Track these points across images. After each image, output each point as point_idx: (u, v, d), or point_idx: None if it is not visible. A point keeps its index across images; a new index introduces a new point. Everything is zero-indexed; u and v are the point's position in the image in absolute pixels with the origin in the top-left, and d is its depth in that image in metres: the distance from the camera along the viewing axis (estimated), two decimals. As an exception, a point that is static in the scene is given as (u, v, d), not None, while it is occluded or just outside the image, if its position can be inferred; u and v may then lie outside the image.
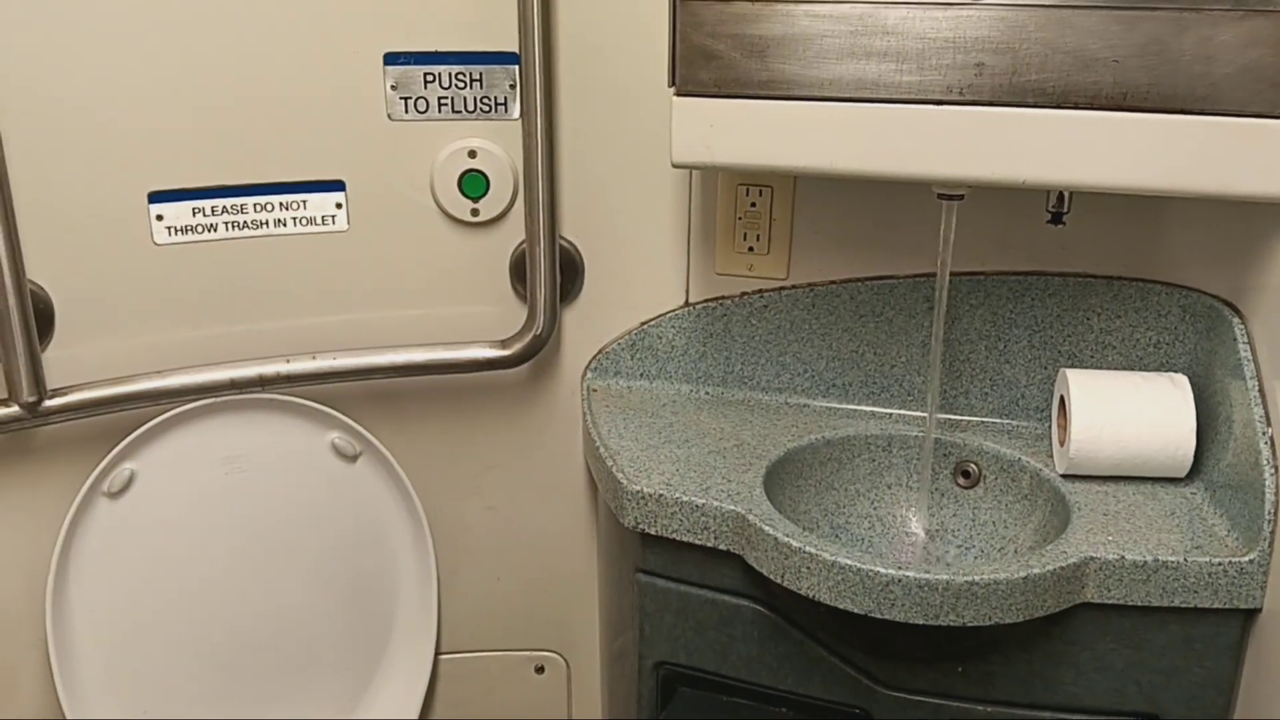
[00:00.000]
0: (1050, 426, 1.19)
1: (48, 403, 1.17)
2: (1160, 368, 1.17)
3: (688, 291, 1.28)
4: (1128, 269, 1.16)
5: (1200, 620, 0.99)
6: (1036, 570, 0.94)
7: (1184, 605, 0.97)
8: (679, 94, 1.04)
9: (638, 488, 1.08)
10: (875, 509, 1.20)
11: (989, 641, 1.01)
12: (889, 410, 1.25)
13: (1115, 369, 1.18)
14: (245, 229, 1.23)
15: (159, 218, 1.20)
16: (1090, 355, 1.19)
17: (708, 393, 1.30)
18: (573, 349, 1.32)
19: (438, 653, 1.43)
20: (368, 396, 1.31)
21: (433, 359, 1.26)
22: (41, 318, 1.17)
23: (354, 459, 1.30)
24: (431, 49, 1.20)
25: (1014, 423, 1.22)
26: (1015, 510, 1.14)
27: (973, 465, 1.18)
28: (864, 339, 1.24)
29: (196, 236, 1.22)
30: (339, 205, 1.24)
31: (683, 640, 1.13)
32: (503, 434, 1.36)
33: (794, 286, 1.25)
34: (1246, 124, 0.92)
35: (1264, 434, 0.99)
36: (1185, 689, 1.01)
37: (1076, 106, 0.96)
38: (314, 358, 1.24)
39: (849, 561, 0.94)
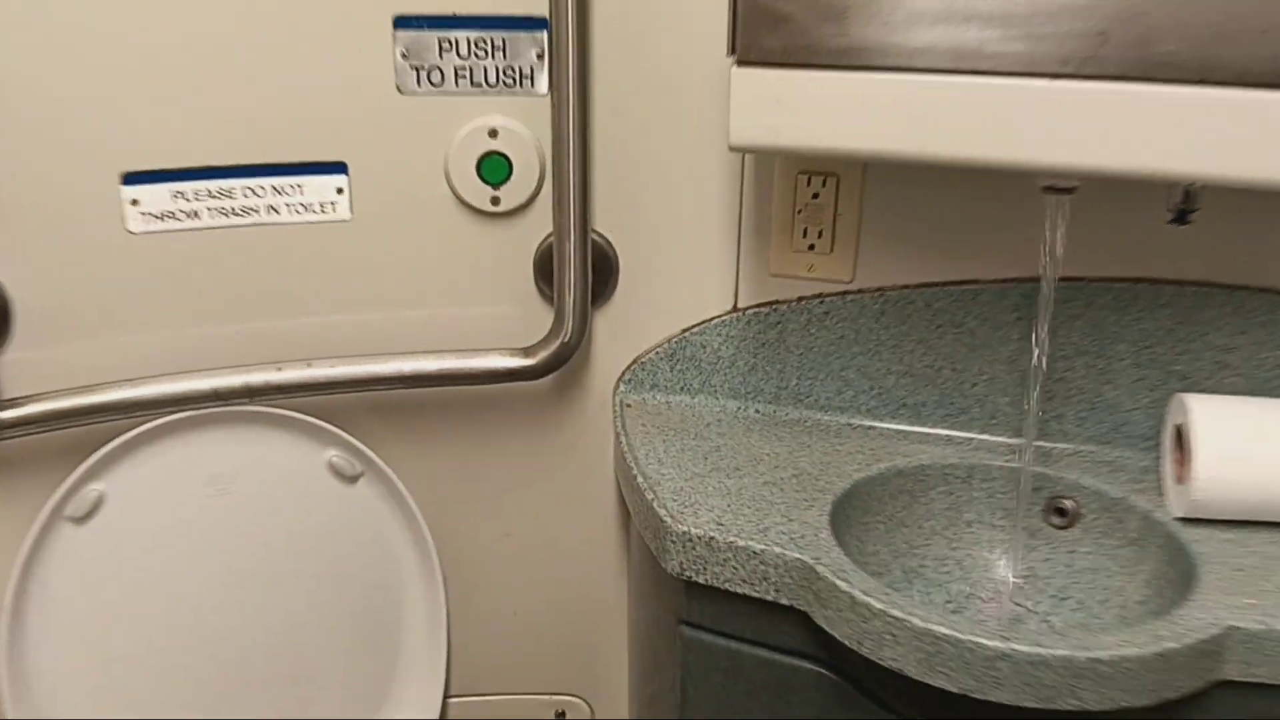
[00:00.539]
0: (1161, 459, 1.02)
1: (4, 414, 1.02)
2: (1290, 392, 1.01)
3: (737, 295, 1.12)
4: (1254, 277, 0.99)
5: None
6: (1171, 644, 0.78)
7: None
8: (740, 64, 0.88)
9: (684, 528, 0.92)
10: (953, 549, 1.04)
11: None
12: (969, 435, 1.09)
13: (1234, 393, 1.02)
14: (232, 216, 1.07)
15: (134, 202, 1.04)
16: (1206, 377, 1.02)
17: (758, 411, 1.14)
18: (604, 358, 1.17)
19: (447, 695, 1.27)
20: (370, 409, 1.15)
21: (445, 368, 1.10)
22: (-5, 317, 1.02)
23: (354, 480, 1.14)
24: (448, 12, 1.04)
25: (1116, 453, 1.05)
26: (1121, 557, 0.97)
27: (1069, 501, 1.02)
28: (941, 352, 1.08)
29: (176, 224, 1.06)
30: (340, 191, 1.08)
31: (731, 704, 0.97)
32: (523, 452, 1.20)
33: (860, 291, 1.09)
34: None
35: None
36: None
37: (1219, 84, 0.80)
38: (309, 365, 1.08)
39: (946, 630, 0.78)
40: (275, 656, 1.17)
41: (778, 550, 0.89)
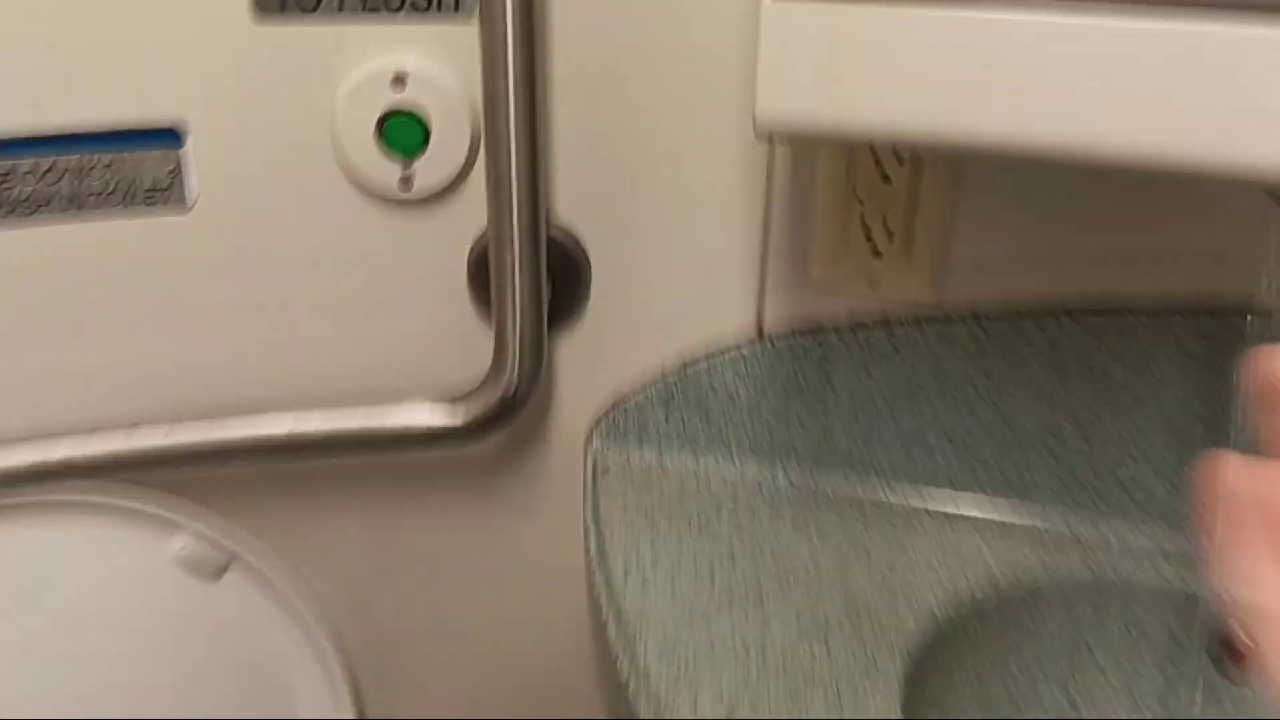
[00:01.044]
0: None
1: None
2: None
3: (761, 315, 0.77)
4: None
5: None
6: None
7: None
8: None
9: (677, 732, 0.59)
10: (1071, 696, 0.71)
11: None
12: (1105, 533, 0.75)
13: None
14: (17, 210, 0.72)
15: None
16: None
17: (791, 482, 0.79)
18: (572, 395, 0.82)
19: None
20: (238, 477, 0.81)
21: (338, 431, 0.75)
22: None
23: (218, 574, 0.81)
24: (321, -109, 0.68)
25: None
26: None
27: (1246, 640, 0.68)
28: (1066, 408, 0.73)
29: (-71, 221, 0.71)
30: (174, 169, 0.73)
31: None
32: (461, 526, 0.86)
33: (948, 316, 0.74)
34: None
35: None
36: None
37: None
38: (133, 432, 0.74)
39: None
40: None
41: (828, 786, 0.56)
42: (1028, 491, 0.76)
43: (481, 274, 0.76)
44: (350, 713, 0.86)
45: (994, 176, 0.70)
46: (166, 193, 0.73)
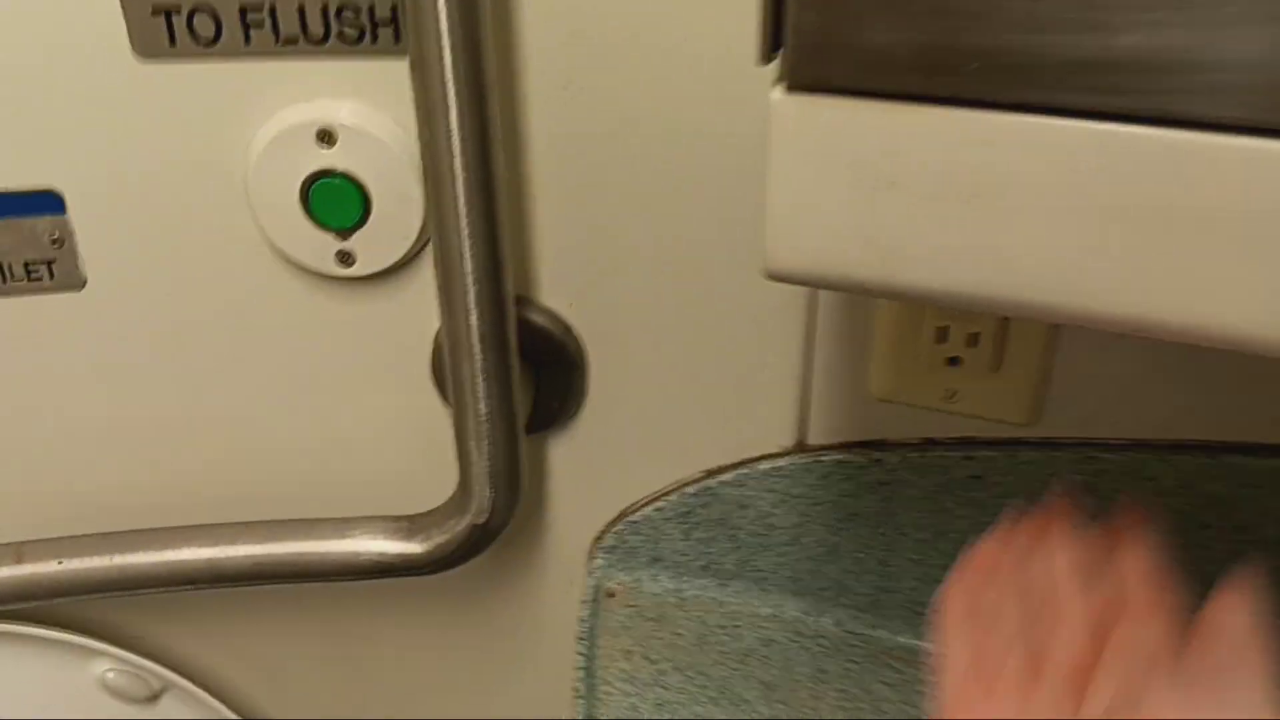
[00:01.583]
0: None
1: None
2: None
3: (804, 423, 0.60)
4: None
5: None
6: None
7: None
8: (791, 88, 0.34)
9: None
10: None
11: None
12: None
13: None
14: None
15: None
16: None
17: (839, 627, 0.63)
18: (568, 509, 0.66)
19: None
20: (163, 601, 0.68)
21: (269, 557, 0.61)
22: None
23: (152, 699, 0.68)
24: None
25: None
26: None
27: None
28: (1196, 558, 0.55)
29: None
30: (57, 240, 0.58)
31: None
32: (435, 660, 0.72)
33: (1048, 441, 0.56)
34: None
35: None
36: None
37: None
38: (19, 561, 0.60)
39: None
40: None
41: None
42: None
43: (443, 369, 0.60)
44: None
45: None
46: (51, 270, 0.58)
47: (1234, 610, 0.40)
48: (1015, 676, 0.42)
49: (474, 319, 0.54)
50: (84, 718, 0.67)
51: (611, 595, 0.65)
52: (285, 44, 0.53)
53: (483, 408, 0.56)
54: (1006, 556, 0.46)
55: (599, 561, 0.66)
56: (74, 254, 0.58)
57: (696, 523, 0.64)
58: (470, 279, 0.53)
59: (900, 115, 0.34)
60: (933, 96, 0.33)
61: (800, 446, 0.60)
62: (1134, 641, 0.41)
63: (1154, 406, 0.54)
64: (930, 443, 0.58)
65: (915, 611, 0.62)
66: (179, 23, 0.53)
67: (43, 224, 0.57)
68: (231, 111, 0.54)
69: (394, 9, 0.52)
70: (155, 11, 0.52)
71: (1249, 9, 0.28)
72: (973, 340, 0.54)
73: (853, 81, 0.33)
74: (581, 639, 0.63)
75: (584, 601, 0.65)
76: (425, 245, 0.57)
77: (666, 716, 0.58)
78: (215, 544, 0.60)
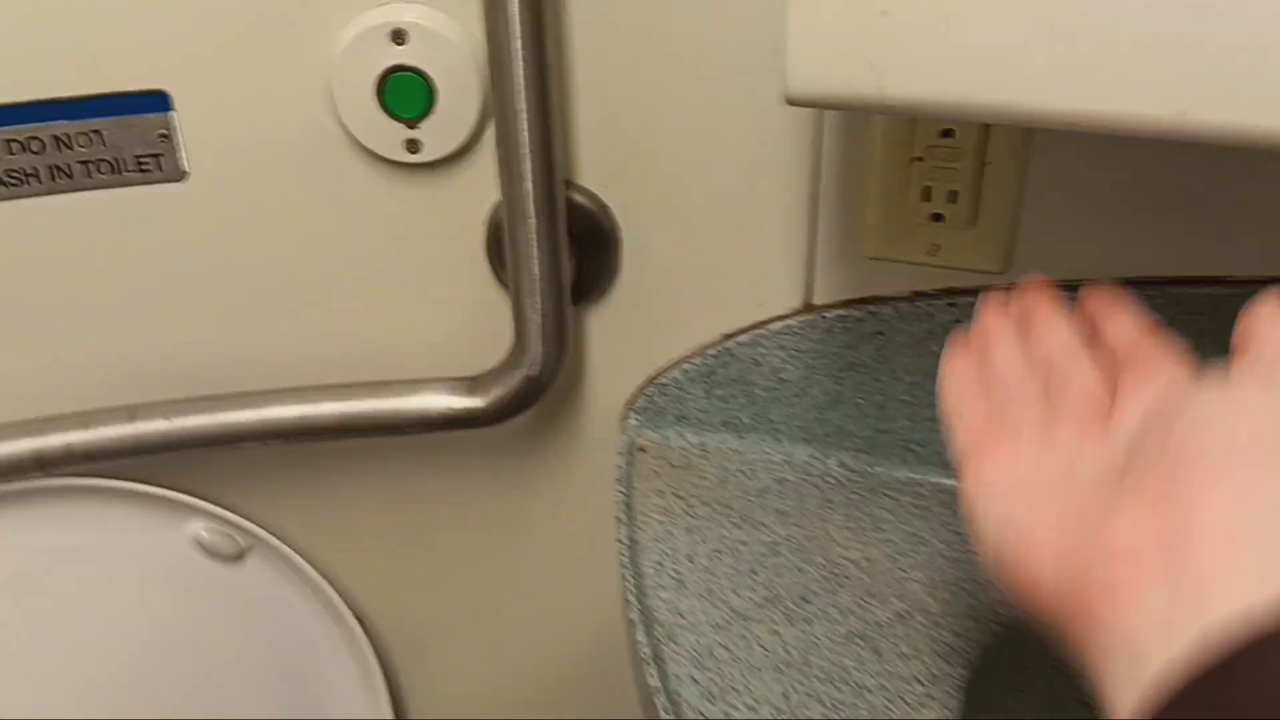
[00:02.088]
0: None
1: None
2: None
3: (810, 286, 0.69)
4: None
5: None
6: None
7: None
8: None
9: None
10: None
11: None
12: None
13: None
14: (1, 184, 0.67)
15: None
16: None
17: (844, 466, 0.72)
18: (605, 372, 0.76)
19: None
20: (250, 463, 0.77)
21: (350, 414, 0.70)
22: None
23: (238, 558, 0.77)
24: None
25: None
26: None
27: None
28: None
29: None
30: (164, 135, 0.67)
31: None
32: (488, 510, 0.81)
33: (1016, 285, 0.65)
34: None
35: None
36: None
37: None
38: (132, 420, 0.69)
39: None
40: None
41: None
42: (1108, 481, 0.68)
43: (500, 245, 0.69)
44: (384, 699, 0.83)
45: (1073, 136, 0.61)
46: (159, 163, 0.68)
47: (1275, 316, 0.39)
48: (1036, 417, 0.42)
49: (529, 186, 0.63)
50: (177, 573, 0.76)
51: (643, 450, 0.74)
52: (364, -43, 0.63)
53: (536, 268, 0.65)
54: (1002, 328, 0.48)
55: (632, 421, 0.75)
56: (177, 148, 0.67)
57: (717, 382, 0.73)
58: (526, 148, 0.62)
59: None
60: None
61: (807, 306, 0.70)
62: (1154, 370, 0.41)
63: (1108, 253, 0.64)
64: (918, 295, 0.67)
65: (908, 449, 0.71)
66: (274, -60, 0.62)
67: (152, 121, 0.67)
68: (318, 17, 0.64)
69: (457, -75, 0.62)
70: (255, -70, 0.62)
71: None
72: (952, 197, 0.64)
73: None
74: (619, 482, 0.72)
75: (619, 453, 0.74)
76: (481, 134, 0.67)
77: (696, 541, 0.67)
78: (304, 403, 0.70)
